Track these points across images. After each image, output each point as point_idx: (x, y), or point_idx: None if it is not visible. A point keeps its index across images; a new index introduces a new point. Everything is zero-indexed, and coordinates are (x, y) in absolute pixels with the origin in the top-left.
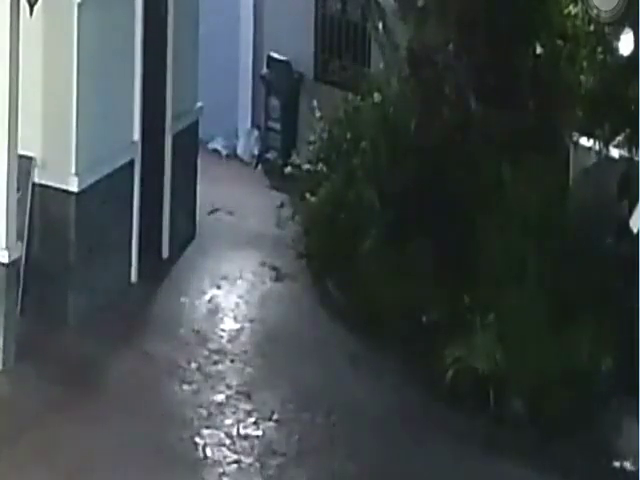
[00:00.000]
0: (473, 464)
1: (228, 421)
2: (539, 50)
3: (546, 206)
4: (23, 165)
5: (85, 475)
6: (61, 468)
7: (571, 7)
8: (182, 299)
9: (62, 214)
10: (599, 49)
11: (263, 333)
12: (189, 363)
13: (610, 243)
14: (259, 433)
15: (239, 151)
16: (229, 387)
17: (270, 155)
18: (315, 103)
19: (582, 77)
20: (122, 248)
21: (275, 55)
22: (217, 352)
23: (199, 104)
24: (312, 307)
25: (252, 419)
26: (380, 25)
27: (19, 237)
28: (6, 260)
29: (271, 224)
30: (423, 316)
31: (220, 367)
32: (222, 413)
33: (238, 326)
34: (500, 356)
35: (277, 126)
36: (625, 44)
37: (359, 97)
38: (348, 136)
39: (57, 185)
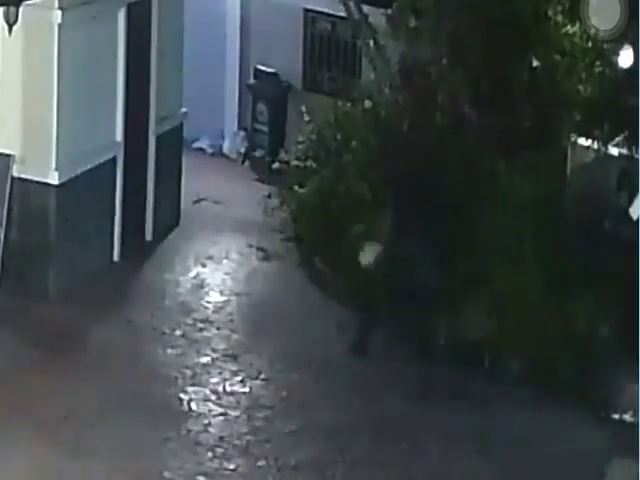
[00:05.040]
0: (466, 415)
1: (214, 380)
2: (535, 63)
3: (541, 193)
4: (2, 162)
5: (69, 427)
6: (45, 421)
7: (569, 26)
8: (166, 275)
9: (43, 203)
10: (597, 62)
11: (250, 305)
12: (173, 330)
13: (609, 226)
14: (246, 390)
15: (225, 149)
16: (215, 351)
17: (257, 153)
18: (304, 108)
19: (580, 87)
20: (104, 232)
21: (262, 67)
22: (202, 321)
23: (183, 109)
24: (300, 283)
25: (238, 378)
26: (371, 42)
27: None
28: None
29: (258, 212)
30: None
31: (205, 334)
32: (208, 373)
33: (224, 299)
34: (495, 323)
35: (264, 128)
36: (625, 58)
37: (349, 103)
38: (338, 137)
39: (38, 179)
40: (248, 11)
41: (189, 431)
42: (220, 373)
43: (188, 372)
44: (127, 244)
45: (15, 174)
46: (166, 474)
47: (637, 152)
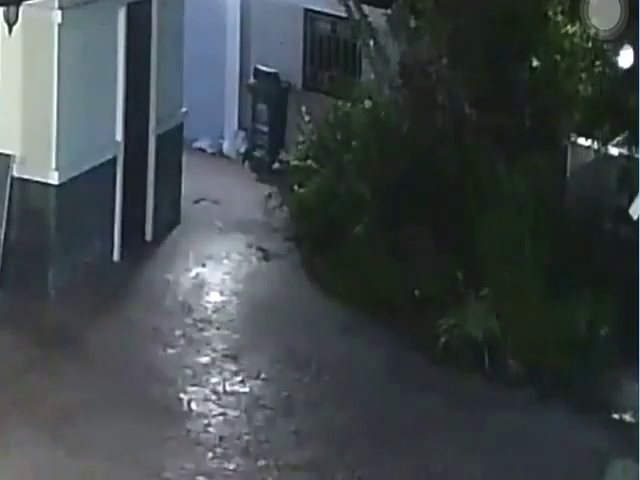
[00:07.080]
0: (466, 415)
1: (214, 379)
2: (535, 63)
3: (541, 193)
4: (2, 162)
5: (69, 427)
6: (44, 419)
7: (569, 27)
8: (166, 275)
9: (43, 203)
10: (597, 63)
11: (250, 305)
12: (173, 330)
13: (609, 226)
14: (246, 390)
15: (225, 149)
16: (215, 350)
17: (257, 153)
18: (304, 109)
19: (580, 87)
20: (104, 232)
21: (262, 67)
22: (202, 321)
23: (183, 109)
24: (301, 283)
25: (239, 378)
26: (371, 42)
27: None
28: None
29: (258, 212)
30: (416, 290)
31: (205, 334)
32: (207, 373)
33: (224, 299)
34: (495, 323)
35: (264, 128)
36: (625, 58)
37: (349, 104)
38: (338, 137)
39: (38, 179)
40: (248, 11)
41: (189, 431)
42: (220, 373)
43: (188, 372)
44: (127, 244)
45: (15, 174)
46: (166, 474)
47: (637, 152)
